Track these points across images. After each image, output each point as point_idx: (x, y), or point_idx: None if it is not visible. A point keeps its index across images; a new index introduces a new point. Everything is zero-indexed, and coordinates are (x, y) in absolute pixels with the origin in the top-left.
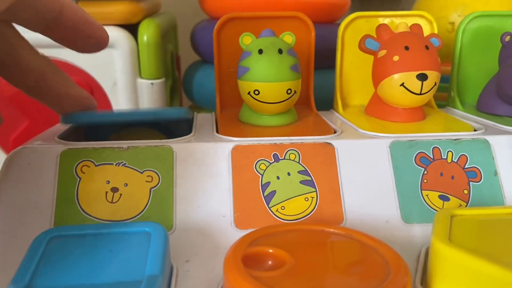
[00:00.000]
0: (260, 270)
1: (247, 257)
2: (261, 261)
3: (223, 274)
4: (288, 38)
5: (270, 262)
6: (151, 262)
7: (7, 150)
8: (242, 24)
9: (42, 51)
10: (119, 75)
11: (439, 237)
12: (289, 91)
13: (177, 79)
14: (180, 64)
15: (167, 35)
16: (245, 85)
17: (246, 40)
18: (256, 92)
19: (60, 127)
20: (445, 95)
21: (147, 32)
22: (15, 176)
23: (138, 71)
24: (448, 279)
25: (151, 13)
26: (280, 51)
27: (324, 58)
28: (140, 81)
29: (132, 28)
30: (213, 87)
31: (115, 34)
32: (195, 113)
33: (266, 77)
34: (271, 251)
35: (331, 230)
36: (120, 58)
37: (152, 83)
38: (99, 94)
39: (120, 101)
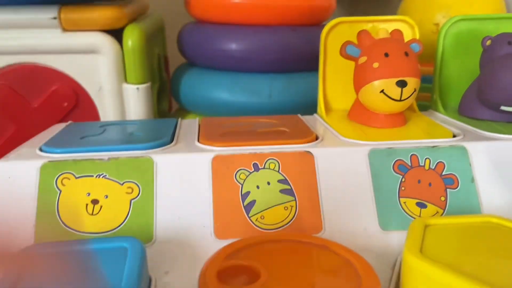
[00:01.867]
0: (235, 285)
1: (222, 272)
2: (236, 275)
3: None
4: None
5: (244, 277)
6: (126, 278)
7: None
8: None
9: (28, 57)
10: (105, 80)
11: (410, 249)
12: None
13: (165, 81)
14: (168, 65)
15: (154, 38)
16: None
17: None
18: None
19: (44, 136)
20: (428, 95)
21: (132, 37)
22: None
23: (123, 76)
24: None
25: (137, 16)
26: (406, 54)
27: (309, 61)
28: (126, 86)
29: (117, 33)
30: (202, 91)
31: (100, 39)
32: (180, 119)
33: None
34: (245, 264)
35: (308, 241)
36: (105, 64)
37: (138, 88)
38: (84, 99)
39: (106, 106)
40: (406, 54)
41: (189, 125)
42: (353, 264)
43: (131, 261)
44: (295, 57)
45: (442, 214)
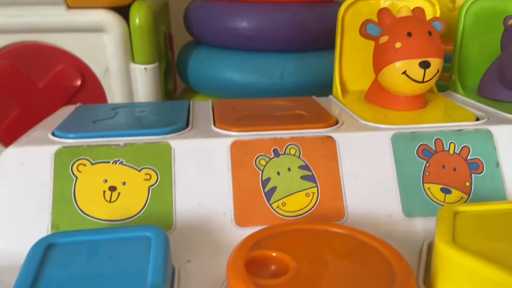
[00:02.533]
0: (264, 276)
1: (250, 262)
2: (264, 265)
3: (226, 280)
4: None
5: (273, 267)
6: (153, 269)
7: (0, 139)
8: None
9: (31, 35)
10: (111, 60)
11: (443, 238)
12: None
13: (170, 60)
14: (173, 43)
15: (159, 15)
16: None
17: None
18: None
19: (54, 119)
20: (445, 75)
21: (139, 14)
22: (9, 177)
23: (130, 55)
24: (452, 281)
25: None
26: (430, 33)
27: (323, 40)
28: (133, 66)
29: (123, 11)
30: (210, 71)
31: (106, 17)
32: (191, 102)
33: None
34: (274, 254)
35: (334, 229)
36: (111, 43)
37: (145, 68)
38: (91, 80)
39: (113, 87)
40: (430, 33)
41: (202, 108)
42: (383, 254)
43: (156, 252)
44: (308, 35)
45: (466, 200)
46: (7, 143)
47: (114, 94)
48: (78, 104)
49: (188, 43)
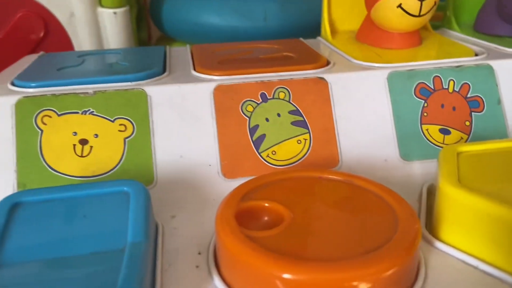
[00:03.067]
0: (256, 228)
1: (240, 214)
2: (256, 217)
3: (215, 233)
4: None
5: (266, 218)
6: (133, 226)
7: None
8: None
9: None
10: (76, 4)
11: (448, 179)
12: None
13: (142, 5)
14: None
15: None
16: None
17: None
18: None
19: (14, 69)
20: (438, 15)
21: None
22: None
23: None
24: (458, 225)
25: None
26: None
27: None
28: (101, 10)
29: None
30: (187, 15)
31: None
32: (167, 47)
33: None
34: (266, 205)
35: (329, 176)
36: None
37: (115, 12)
38: (55, 27)
39: (80, 35)
40: None
41: (179, 53)
42: (384, 198)
43: (135, 207)
44: None
45: (466, 140)
46: None
47: (81, 42)
48: (41, 53)
49: None
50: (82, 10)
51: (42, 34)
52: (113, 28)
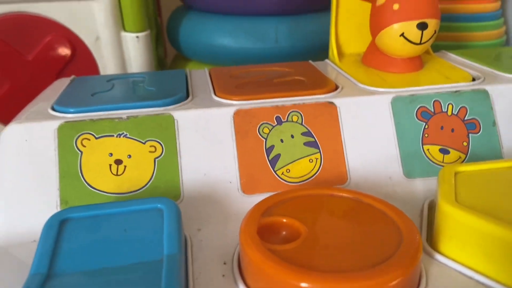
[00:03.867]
0: (276, 242)
1: (261, 228)
2: (275, 232)
3: (239, 246)
4: None
5: (284, 233)
6: (168, 240)
7: None
8: None
9: (18, 5)
10: (101, 28)
11: (446, 198)
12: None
13: (159, 26)
14: (161, 8)
15: None
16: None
17: None
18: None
19: (50, 93)
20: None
21: None
22: (13, 154)
23: (121, 23)
24: (455, 239)
25: None
26: None
27: (316, 1)
28: (124, 34)
29: None
30: (203, 37)
31: None
32: (188, 71)
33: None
34: (285, 221)
35: (340, 194)
36: (101, 11)
37: (137, 36)
38: (81, 50)
39: (105, 56)
40: None
41: (199, 76)
42: (389, 215)
43: (169, 222)
44: None
45: (464, 159)
46: None
47: (106, 64)
48: (73, 77)
49: (178, 8)
50: (107, 34)
51: (69, 56)
52: (135, 50)
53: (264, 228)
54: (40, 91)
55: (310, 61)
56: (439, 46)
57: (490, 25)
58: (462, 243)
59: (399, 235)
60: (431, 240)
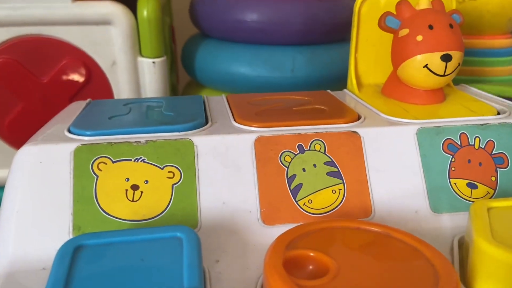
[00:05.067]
0: (302, 277)
1: (287, 262)
2: (302, 265)
3: (264, 280)
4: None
5: (311, 267)
6: (188, 272)
7: (2, 135)
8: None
9: (35, 28)
10: (118, 53)
11: (482, 235)
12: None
13: (173, 52)
14: (175, 35)
15: (164, 7)
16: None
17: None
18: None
19: (66, 115)
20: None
21: (147, 7)
22: (27, 176)
23: (138, 49)
24: (493, 279)
25: None
26: (451, 26)
27: (333, 33)
28: (141, 59)
29: (130, 3)
30: (219, 65)
31: (113, 10)
32: (205, 97)
33: None
34: (312, 254)
35: (367, 227)
36: (118, 36)
37: (154, 62)
38: (97, 74)
39: (120, 81)
40: (451, 26)
41: (217, 102)
42: (422, 252)
43: (189, 253)
44: (319, 28)
45: (493, 195)
46: (10, 140)
47: (121, 89)
48: (89, 100)
49: (194, 36)
50: (123, 59)
51: (84, 80)
52: (151, 76)
53: (290, 262)
54: (53, 114)
55: (329, 91)
56: (456, 80)
57: (507, 60)
58: (501, 282)
59: (435, 274)
60: (465, 279)
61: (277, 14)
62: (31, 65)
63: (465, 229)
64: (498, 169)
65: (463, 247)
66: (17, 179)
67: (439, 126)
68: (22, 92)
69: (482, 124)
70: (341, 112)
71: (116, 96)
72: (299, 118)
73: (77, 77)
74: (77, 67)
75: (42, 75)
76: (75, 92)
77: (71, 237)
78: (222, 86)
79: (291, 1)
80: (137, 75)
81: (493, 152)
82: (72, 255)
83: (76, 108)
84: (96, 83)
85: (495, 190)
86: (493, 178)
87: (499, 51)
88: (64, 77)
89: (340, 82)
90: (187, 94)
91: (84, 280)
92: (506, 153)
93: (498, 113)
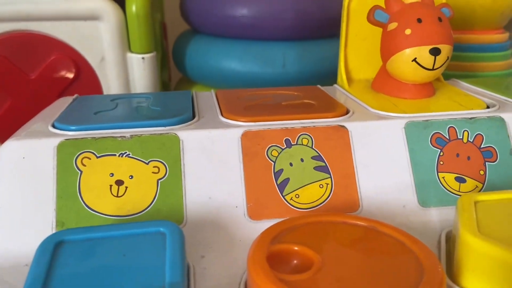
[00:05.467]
0: (287, 271)
1: (271, 256)
2: (286, 260)
3: (248, 275)
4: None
5: (295, 262)
6: (170, 267)
7: None
8: None
9: (23, 24)
10: (107, 49)
11: (468, 229)
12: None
13: (165, 49)
14: (166, 32)
15: (154, 3)
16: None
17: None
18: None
19: (52, 111)
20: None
21: (136, 2)
22: (10, 172)
23: (127, 44)
24: (479, 272)
25: None
26: (440, 19)
27: (323, 28)
28: (130, 55)
29: None
30: (210, 61)
31: (101, 5)
32: (194, 92)
33: None
34: (296, 248)
35: (353, 221)
36: (107, 31)
37: (143, 58)
38: (86, 70)
39: (109, 77)
40: (440, 19)
41: (205, 98)
42: (407, 245)
43: (172, 248)
44: (310, 23)
45: (481, 189)
46: None
47: (110, 84)
48: (76, 95)
49: (185, 32)
50: (112, 55)
51: (73, 76)
52: (140, 72)
53: (274, 256)
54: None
55: (319, 86)
56: (448, 75)
57: (499, 55)
58: (486, 275)
59: (420, 268)
60: (451, 272)
61: (267, 9)
62: (20, 61)
63: (452, 223)
64: (486, 163)
65: (451, 241)
66: (0, 174)
67: (427, 120)
68: (11, 89)
69: (470, 118)
70: (330, 107)
71: (105, 92)
72: (286, 112)
73: (65, 73)
74: (65, 63)
75: (31, 71)
76: (63, 88)
77: (54, 232)
78: (213, 82)
79: None
80: (126, 71)
81: (482, 146)
82: (52, 251)
83: (62, 103)
84: (85, 79)
85: (483, 184)
86: (482, 172)
87: (492, 46)
88: (53, 73)
89: (332, 77)
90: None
91: (64, 276)
92: (494, 147)
93: (488, 107)
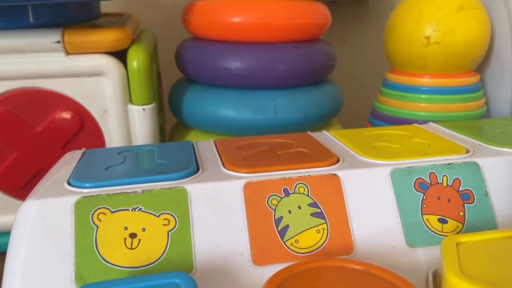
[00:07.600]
0: None
1: None
2: None
3: None
4: None
5: None
6: None
7: None
8: None
9: (30, 81)
10: (110, 102)
11: (452, 271)
12: None
13: (161, 96)
14: (161, 79)
15: (152, 55)
16: None
17: None
18: None
19: (63, 166)
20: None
21: (137, 58)
22: (31, 229)
23: (128, 97)
24: None
25: (135, 35)
26: None
27: (310, 76)
28: (131, 107)
29: (120, 54)
30: (206, 109)
31: (104, 62)
32: (194, 143)
33: None
34: None
35: (350, 266)
36: (110, 86)
37: (143, 109)
38: (89, 122)
39: (111, 128)
40: None
41: (206, 148)
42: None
43: None
44: (298, 73)
45: (462, 228)
46: (3, 188)
47: (112, 135)
48: (84, 150)
49: (180, 80)
50: (115, 107)
51: (77, 129)
52: (141, 122)
53: None
54: (46, 162)
55: (309, 133)
56: (426, 116)
57: (471, 96)
58: None
59: None
60: None
61: (259, 61)
62: (26, 116)
63: (438, 261)
64: (465, 204)
65: (437, 279)
66: (21, 232)
67: (410, 167)
68: (16, 142)
69: (448, 164)
70: (322, 156)
71: (107, 142)
72: (283, 162)
73: (70, 126)
74: (70, 116)
75: (36, 124)
76: (68, 139)
77: (74, 286)
78: (208, 128)
79: (271, 49)
80: (127, 121)
81: (460, 189)
82: None
83: (71, 158)
84: (88, 131)
85: (463, 224)
86: (461, 213)
87: (465, 88)
88: (58, 126)
89: (319, 122)
90: (174, 136)
91: None
92: (471, 190)
93: (467, 152)
